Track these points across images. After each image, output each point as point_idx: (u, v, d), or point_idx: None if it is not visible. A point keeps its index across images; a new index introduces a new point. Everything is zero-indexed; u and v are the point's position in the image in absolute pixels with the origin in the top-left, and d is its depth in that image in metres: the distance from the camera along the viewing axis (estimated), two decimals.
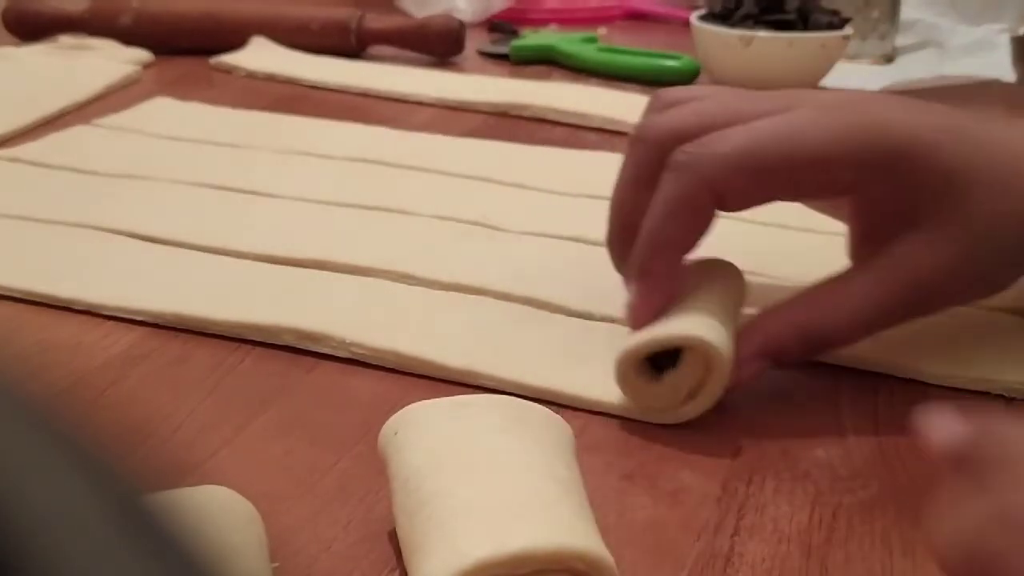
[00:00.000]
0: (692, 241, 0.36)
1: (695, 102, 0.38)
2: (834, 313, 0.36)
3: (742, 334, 0.36)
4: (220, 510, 0.26)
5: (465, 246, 0.48)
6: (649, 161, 0.37)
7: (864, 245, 0.38)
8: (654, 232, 0.36)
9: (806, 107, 0.36)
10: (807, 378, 0.39)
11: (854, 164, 0.35)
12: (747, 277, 0.45)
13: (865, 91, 0.39)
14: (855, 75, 0.78)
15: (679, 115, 0.38)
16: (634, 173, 0.38)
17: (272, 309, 0.41)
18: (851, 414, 0.37)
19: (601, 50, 0.83)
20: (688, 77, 0.76)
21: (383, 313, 0.41)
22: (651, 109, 0.40)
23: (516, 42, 0.85)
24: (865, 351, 0.38)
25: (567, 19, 1.00)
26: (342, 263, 0.46)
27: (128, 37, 0.83)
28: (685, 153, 0.35)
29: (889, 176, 0.35)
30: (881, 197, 0.36)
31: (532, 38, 0.87)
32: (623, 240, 0.38)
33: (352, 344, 0.39)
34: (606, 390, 0.36)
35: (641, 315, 0.36)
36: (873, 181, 0.36)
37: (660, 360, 0.35)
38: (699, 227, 0.36)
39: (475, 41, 0.88)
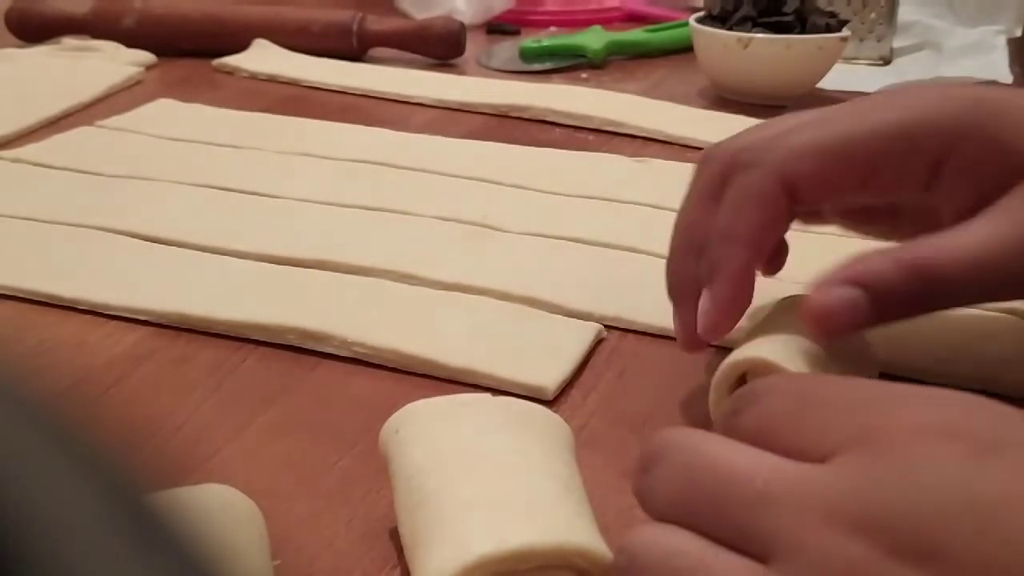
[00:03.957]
0: (764, 237, 0.34)
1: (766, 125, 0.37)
2: (945, 247, 0.31)
3: (836, 266, 0.32)
4: (222, 508, 0.27)
5: (466, 246, 0.48)
6: (718, 176, 0.35)
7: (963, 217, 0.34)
8: (725, 228, 0.34)
9: (879, 97, 0.35)
10: None
11: (945, 129, 0.33)
12: None
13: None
14: (853, 77, 0.79)
15: (749, 133, 0.36)
16: (702, 190, 0.36)
17: (274, 309, 0.41)
18: None
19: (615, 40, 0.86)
20: None
21: (384, 313, 0.42)
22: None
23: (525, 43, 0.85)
24: None
25: (567, 21, 1.00)
26: (344, 263, 0.46)
27: (131, 39, 0.84)
28: (752, 150, 0.34)
29: (985, 133, 0.32)
30: (976, 158, 0.33)
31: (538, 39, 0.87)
32: (686, 259, 0.36)
33: (354, 343, 0.39)
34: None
35: (713, 320, 0.34)
36: (968, 142, 0.32)
37: None
38: (771, 220, 0.34)
39: (475, 44, 0.89)
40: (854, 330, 0.32)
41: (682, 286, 0.36)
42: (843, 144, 0.33)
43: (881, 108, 0.34)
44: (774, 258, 0.40)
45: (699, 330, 0.35)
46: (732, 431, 0.24)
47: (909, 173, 0.34)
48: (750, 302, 0.35)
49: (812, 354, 0.32)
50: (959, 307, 0.34)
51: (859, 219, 0.40)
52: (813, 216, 0.40)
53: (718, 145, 0.37)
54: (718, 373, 0.34)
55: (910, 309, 0.32)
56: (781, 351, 0.32)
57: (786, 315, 0.35)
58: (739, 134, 0.37)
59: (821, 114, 0.35)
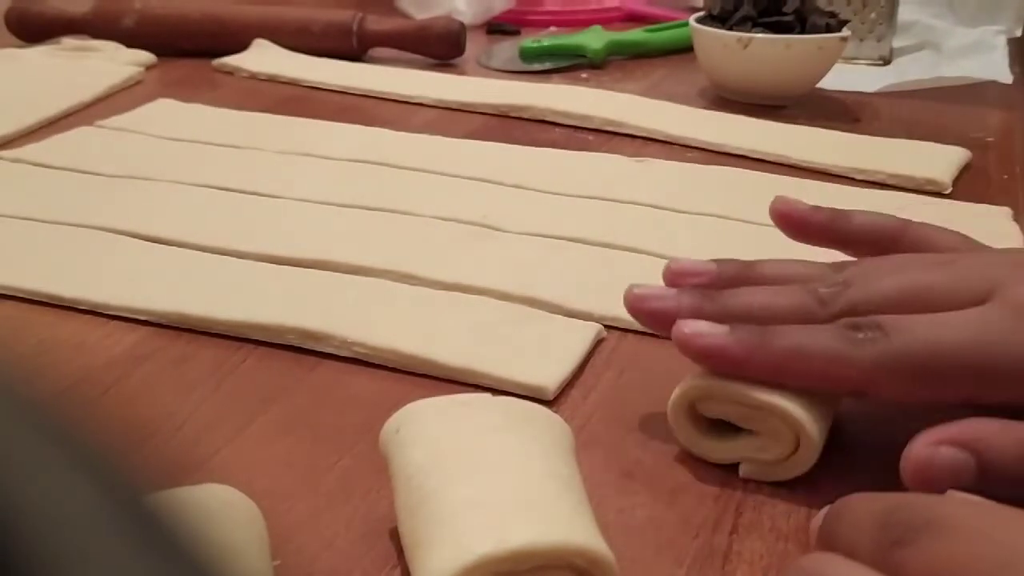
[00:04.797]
0: (803, 385, 0.32)
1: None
2: None
3: (945, 422, 0.30)
4: (222, 508, 0.27)
5: (466, 246, 0.48)
6: (839, 335, 0.31)
7: None
8: (783, 350, 0.31)
9: (1007, 304, 0.30)
10: None
11: None
12: None
13: None
14: (853, 76, 0.79)
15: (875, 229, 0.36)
16: (804, 315, 0.33)
17: (274, 309, 0.41)
18: (849, 412, 0.37)
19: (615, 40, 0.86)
20: None
21: (384, 313, 0.42)
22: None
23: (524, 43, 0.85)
24: None
25: (567, 21, 1.00)
26: (344, 263, 0.46)
27: (131, 39, 0.84)
28: (860, 327, 0.31)
29: None
30: None
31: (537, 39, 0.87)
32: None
33: (354, 343, 0.39)
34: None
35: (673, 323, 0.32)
36: None
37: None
38: (819, 386, 0.32)
39: (475, 44, 0.89)
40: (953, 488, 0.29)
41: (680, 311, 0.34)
42: (950, 375, 0.30)
43: (1007, 333, 0.30)
44: None
45: (648, 305, 0.34)
46: (897, 569, 0.21)
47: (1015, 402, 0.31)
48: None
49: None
50: None
51: None
52: None
53: (850, 221, 0.37)
54: (674, 398, 0.33)
55: (1016, 486, 0.29)
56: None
57: None
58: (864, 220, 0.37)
59: (950, 284, 0.32)
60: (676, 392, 0.33)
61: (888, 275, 0.33)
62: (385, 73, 0.79)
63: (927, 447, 0.29)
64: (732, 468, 0.33)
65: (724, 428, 0.33)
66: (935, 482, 0.29)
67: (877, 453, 0.32)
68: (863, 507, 0.24)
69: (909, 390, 0.31)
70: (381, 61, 0.84)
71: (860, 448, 0.35)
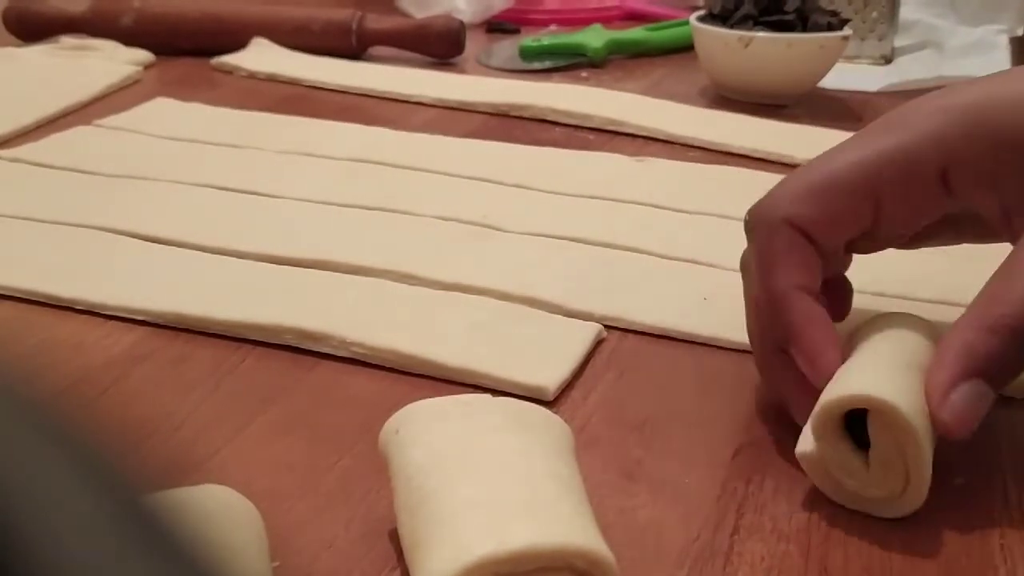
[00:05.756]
0: (808, 280, 0.33)
1: None
2: (1015, 291, 0.30)
3: (935, 360, 0.31)
4: (221, 509, 0.27)
5: (465, 246, 0.48)
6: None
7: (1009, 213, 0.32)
8: (765, 292, 0.33)
9: (873, 126, 0.34)
10: None
11: (936, 142, 0.32)
12: None
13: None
14: (854, 76, 0.79)
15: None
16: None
17: (273, 309, 0.41)
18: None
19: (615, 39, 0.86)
20: None
21: (384, 313, 0.41)
22: None
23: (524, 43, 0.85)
24: None
25: (567, 19, 1.00)
26: (343, 263, 0.46)
27: (129, 38, 0.84)
28: (757, 208, 0.34)
29: (980, 133, 0.31)
30: (978, 160, 0.32)
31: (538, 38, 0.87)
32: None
33: (353, 344, 0.39)
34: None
35: (818, 372, 0.32)
36: (964, 148, 0.32)
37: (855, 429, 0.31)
38: (804, 263, 0.33)
39: (475, 43, 0.89)
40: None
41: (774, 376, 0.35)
42: (835, 181, 0.33)
43: (869, 138, 0.33)
44: (837, 303, 0.37)
45: (818, 388, 0.32)
46: None
47: (917, 194, 0.33)
48: (836, 339, 0.33)
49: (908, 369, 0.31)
50: None
51: (917, 238, 0.36)
52: (869, 246, 0.36)
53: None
54: (819, 410, 0.31)
55: (1015, 370, 0.31)
56: (889, 386, 0.30)
57: (877, 333, 0.34)
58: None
59: (823, 154, 0.34)
60: (832, 398, 0.31)
61: None
62: (385, 72, 0.79)
63: (946, 405, 0.30)
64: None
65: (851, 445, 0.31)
66: (973, 425, 0.30)
67: None
68: None
69: (827, 223, 0.33)
70: (381, 60, 0.84)
71: None
